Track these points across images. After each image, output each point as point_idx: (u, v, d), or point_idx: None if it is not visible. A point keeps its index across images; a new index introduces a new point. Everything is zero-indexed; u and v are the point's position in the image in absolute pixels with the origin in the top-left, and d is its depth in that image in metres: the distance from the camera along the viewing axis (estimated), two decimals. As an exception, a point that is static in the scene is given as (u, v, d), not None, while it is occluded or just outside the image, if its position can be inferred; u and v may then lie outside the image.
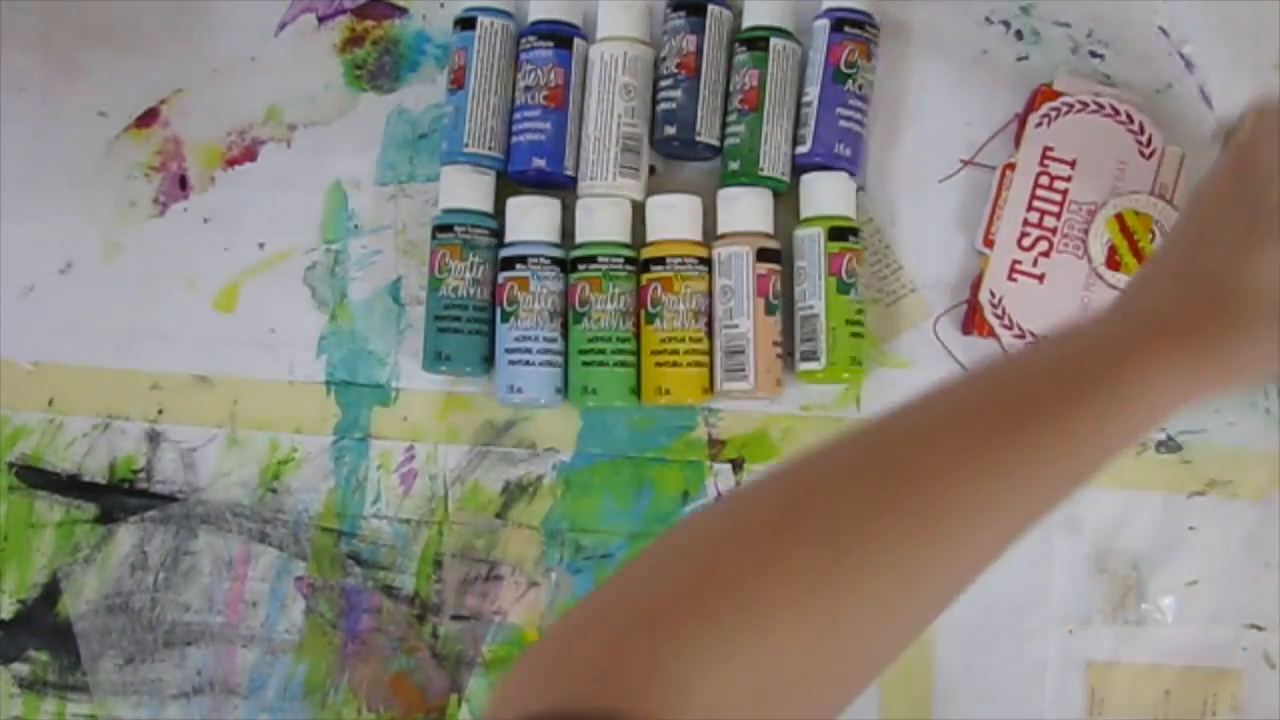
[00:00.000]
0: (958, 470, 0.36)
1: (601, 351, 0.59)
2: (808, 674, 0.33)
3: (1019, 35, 0.63)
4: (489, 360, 0.61)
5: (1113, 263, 0.60)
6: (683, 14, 0.61)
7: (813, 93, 0.61)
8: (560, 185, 0.62)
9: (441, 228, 0.61)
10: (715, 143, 0.61)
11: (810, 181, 0.60)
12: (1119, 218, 0.60)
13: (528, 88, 0.61)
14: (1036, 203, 0.60)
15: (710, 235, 0.61)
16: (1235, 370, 0.41)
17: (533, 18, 0.62)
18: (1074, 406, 0.38)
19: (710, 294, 0.60)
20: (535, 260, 0.60)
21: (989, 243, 0.61)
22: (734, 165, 0.61)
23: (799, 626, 0.33)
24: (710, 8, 0.61)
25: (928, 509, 0.35)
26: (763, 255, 0.59)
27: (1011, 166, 0.61)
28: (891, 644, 0.36)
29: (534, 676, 0.34)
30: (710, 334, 0.60)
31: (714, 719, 0.32)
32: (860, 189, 0.62)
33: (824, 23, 0.61)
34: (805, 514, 0.34)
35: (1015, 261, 0.60)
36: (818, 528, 0.34)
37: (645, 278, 0.60)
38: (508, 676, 0.34)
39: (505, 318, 0.60)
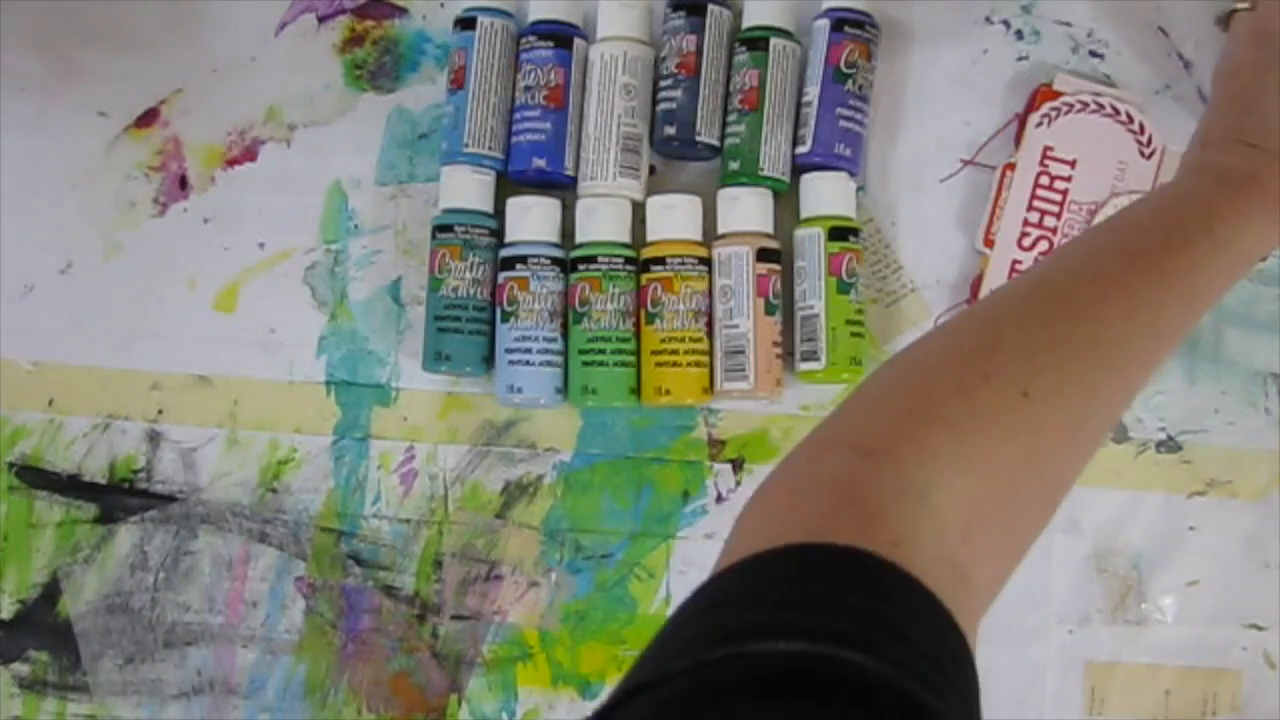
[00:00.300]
0: (1102, 311, 0.41)
1: (601, 351, 0.59)
2: (1019, 488, 0.37)
3: (1019, 35, 0.63)
4: (489, 360, 0.61)
5: (1113, 263, 0.60)
6: (683, 14, 0.61)
7: (813, 93, 0.61)
8: (560, 185, 0.62)
9: (441, 228, 0.61)
10: (715, 143, 0.61)
11: (810, 181, 0.60)
12: (1119, 218, 0.60)
13: (528, 88, 0.61)
14: (1036, 203, 0.60)
15: (710, 235, 0.61)
16: None
17: (533, 18, 0.62)
18: (1181, 251, 0.43)
19: (710, 294, 0.60)
20: (535, 260, 0.60)
21: (989, 243, 0.61)
22: (734, 165, 0.61)
23: (1006, 449, 0.37)
24: (710, 8, 0.61)
25: (1086, 346, 0.40)
26: (763, 255, 0.59)
27: (1011, 166, 0.61)
28: (1084, 451, 0.40)
29: (771, 514, 0.36)
30: (710, 334, 0.60)
31: (944, 541, 0.34)
32: (860, 189, 0.62)
33: (824, 23, 0.61)
34: (991, 352, 0.39)
35: (1015, 261, 0.60)
36: (1004, 364, 0.39)
37: (645, 278, 0.60)
38: (743, 516, 0.37)
39: (505, 318, 0.60)
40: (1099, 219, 0.60)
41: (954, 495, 0.35)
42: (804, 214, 0.61)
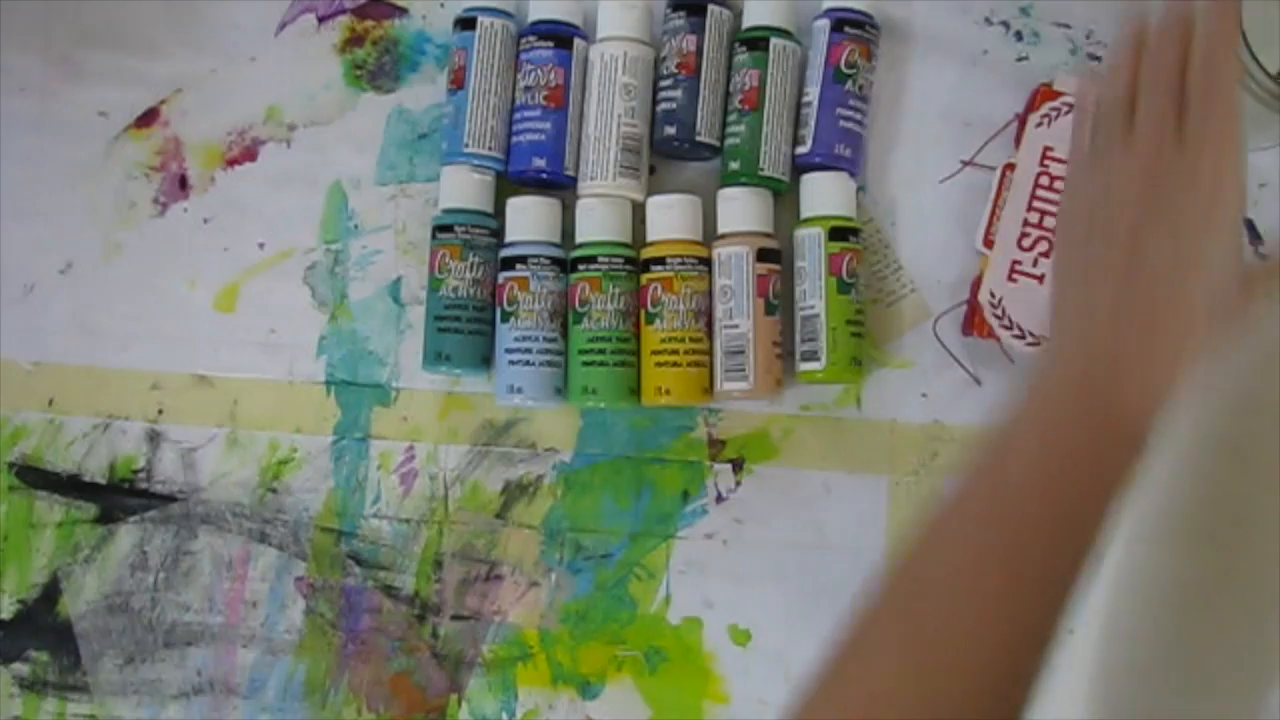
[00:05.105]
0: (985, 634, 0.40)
1: (601, 351, 0.59)
2: None
3: (1019, 35, 0.63)
4: (489, 360, 0.61)
5: (1113, 263, 0.60)
6: (683, 14, 0.61)
7: (813, 93, 0.61)
8: (560, 185, 0.62)
9: (441, 228, 0.61)
10: (715, 143, 0.61)
11: (810, 181, 0.60)
12: (1119, 218, 0.60)
13: (528, 88, 0.61)
14: (1036, 203, 0.60)
15: (710, 235, 0.61)
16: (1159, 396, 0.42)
17: (533, 18, 0.62)
18: (1048, 545, 0.41)
19: (710, 294, 0.60)
20: (535, 260, 0.60)
21: (989, 243, 0.61)
22: (734, 165, 0.61)
23: None
24: (710, 8, 0.61)
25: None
26: (763, 255, 0.59)
27: (1011, 166, 0.61)
28: None
29: None
30: (710, 334, 0.60)
31: None
32: (860, 189, 0.62)
33: (824, 23, 0.61)
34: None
35: (1015, 262, 0.60)
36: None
37: (645, 278, 0.60)
38: None
39: (505, 318, 0.60)
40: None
41: None
42: (804, 214, 0.61)
